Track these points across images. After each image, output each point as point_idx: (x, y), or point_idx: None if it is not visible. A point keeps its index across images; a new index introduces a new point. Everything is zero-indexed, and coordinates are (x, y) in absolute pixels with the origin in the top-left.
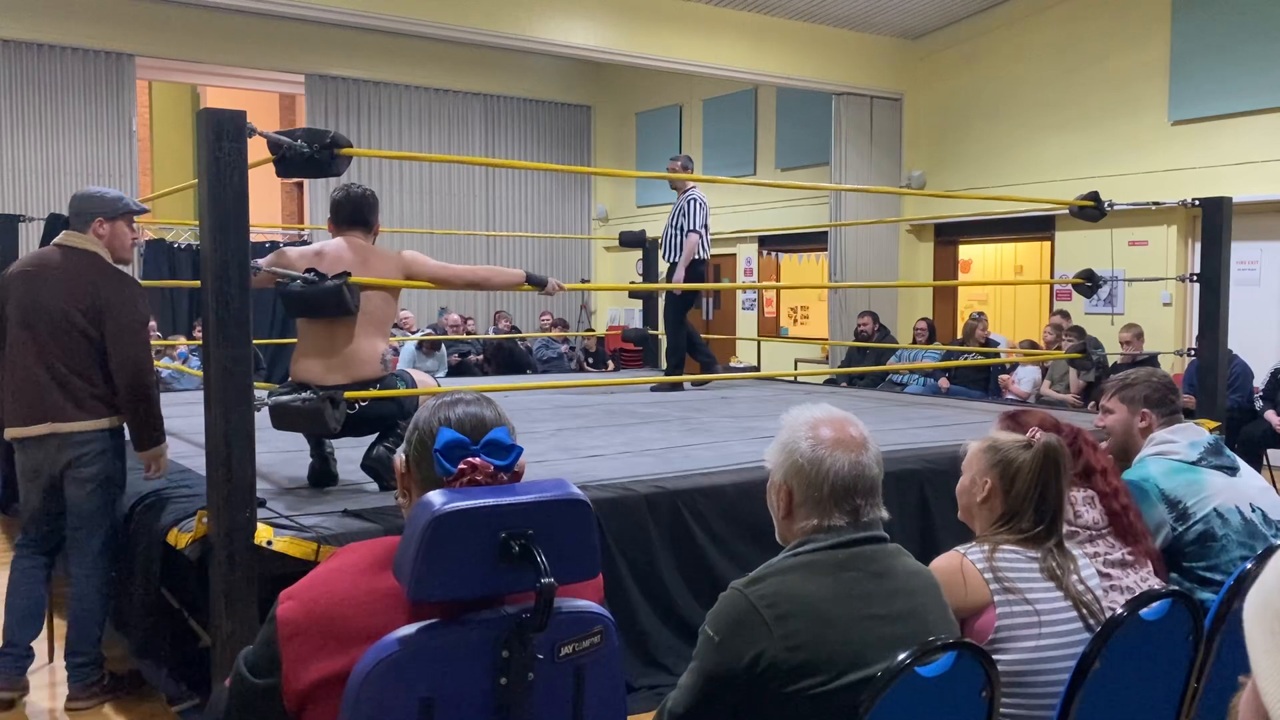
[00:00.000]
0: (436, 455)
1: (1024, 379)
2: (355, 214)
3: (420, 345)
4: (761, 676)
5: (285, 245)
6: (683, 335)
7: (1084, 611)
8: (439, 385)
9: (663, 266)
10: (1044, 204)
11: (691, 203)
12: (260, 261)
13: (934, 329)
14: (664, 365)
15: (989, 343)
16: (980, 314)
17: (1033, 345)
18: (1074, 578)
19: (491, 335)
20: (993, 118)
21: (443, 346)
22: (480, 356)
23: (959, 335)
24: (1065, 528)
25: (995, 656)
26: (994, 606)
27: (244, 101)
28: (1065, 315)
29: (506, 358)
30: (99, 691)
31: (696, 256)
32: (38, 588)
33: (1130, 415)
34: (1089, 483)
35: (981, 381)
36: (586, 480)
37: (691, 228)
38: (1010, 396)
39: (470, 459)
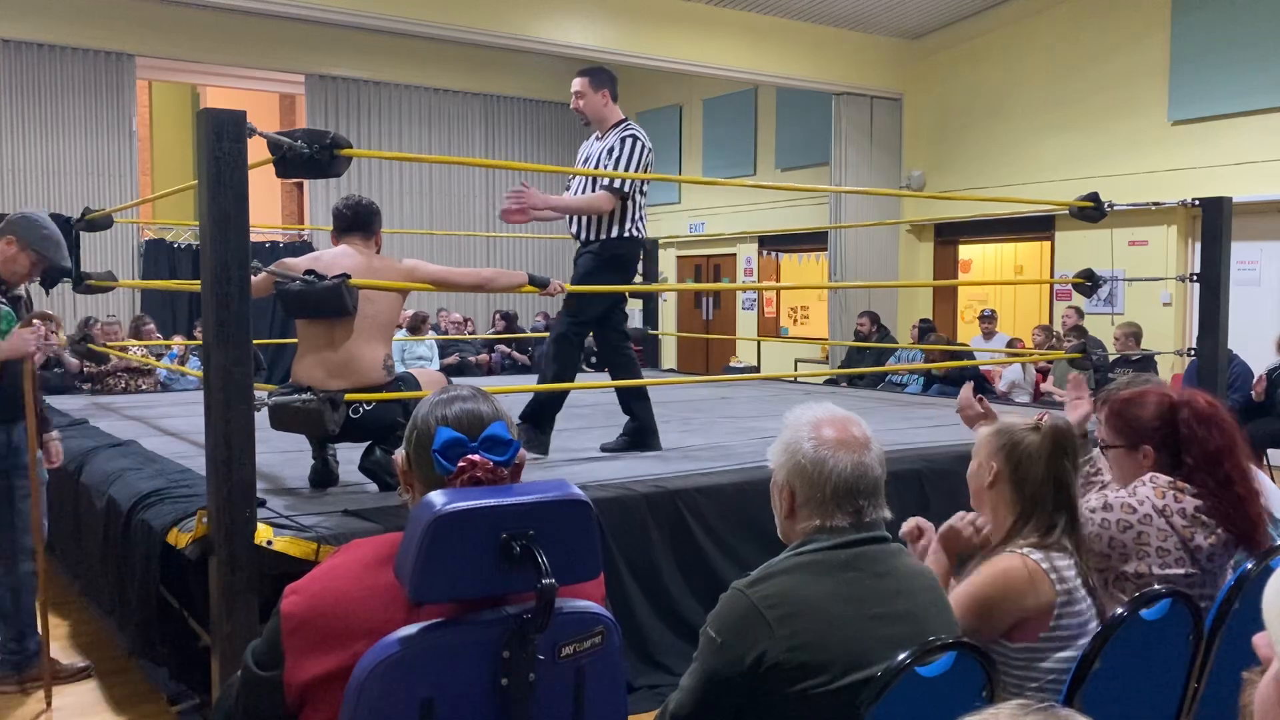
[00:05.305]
0: (435, 455)
1: (1004, 378)
2: (355, 220)
3: (411, 329)
4: (763, 677)
5: (283, 247)
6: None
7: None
8: (449, 380)
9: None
10: (1044, 204)
11: (628, 141)
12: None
13: (928, 330)
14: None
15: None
16: (990, 312)
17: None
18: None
19: (490, 335)
20: (993, 118)
21: (431, 333)
22: (486, 358)
23: (958, 336)
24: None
25: (1040, 663)
26: (1055, 609)
27: (244, 101)
28: (1078, 313)
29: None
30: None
31: (625, 234)
32: None
33: None
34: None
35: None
36: (586, 480)
37: (617, 185)
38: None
39: (469, 456)
